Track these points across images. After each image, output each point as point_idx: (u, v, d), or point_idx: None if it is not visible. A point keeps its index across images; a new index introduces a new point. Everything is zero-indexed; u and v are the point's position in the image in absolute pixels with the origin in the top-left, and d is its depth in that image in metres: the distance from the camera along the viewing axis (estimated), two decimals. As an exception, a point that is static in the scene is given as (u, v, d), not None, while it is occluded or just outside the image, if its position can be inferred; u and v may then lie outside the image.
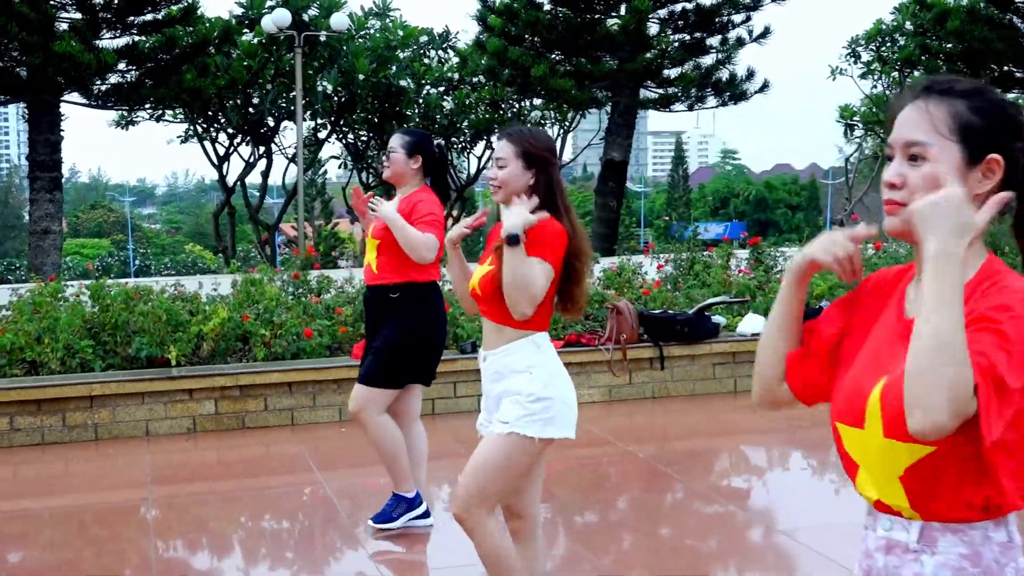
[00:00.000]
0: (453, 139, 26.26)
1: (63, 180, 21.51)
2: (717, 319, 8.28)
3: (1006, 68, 20.46)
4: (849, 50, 25.84)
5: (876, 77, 26.12)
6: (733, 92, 21.52)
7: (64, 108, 21.05)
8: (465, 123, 25.44)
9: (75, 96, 21.44)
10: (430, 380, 5.12)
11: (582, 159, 68.04)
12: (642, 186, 75.20)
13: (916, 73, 25.31)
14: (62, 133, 20.73)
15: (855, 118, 27.21)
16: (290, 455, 6.74)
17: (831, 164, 66.49)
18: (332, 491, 5.92)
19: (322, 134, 27.15)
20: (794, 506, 5.66)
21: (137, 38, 21.21)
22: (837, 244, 1.78)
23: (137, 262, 51.82)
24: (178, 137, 27.49)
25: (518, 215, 3.29)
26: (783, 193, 64.67)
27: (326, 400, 7.55)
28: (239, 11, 24.16)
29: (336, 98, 25.37)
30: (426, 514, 5.16)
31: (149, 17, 21.09)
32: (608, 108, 21.90)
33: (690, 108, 21.94)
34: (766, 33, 21.51)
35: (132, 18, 20.90)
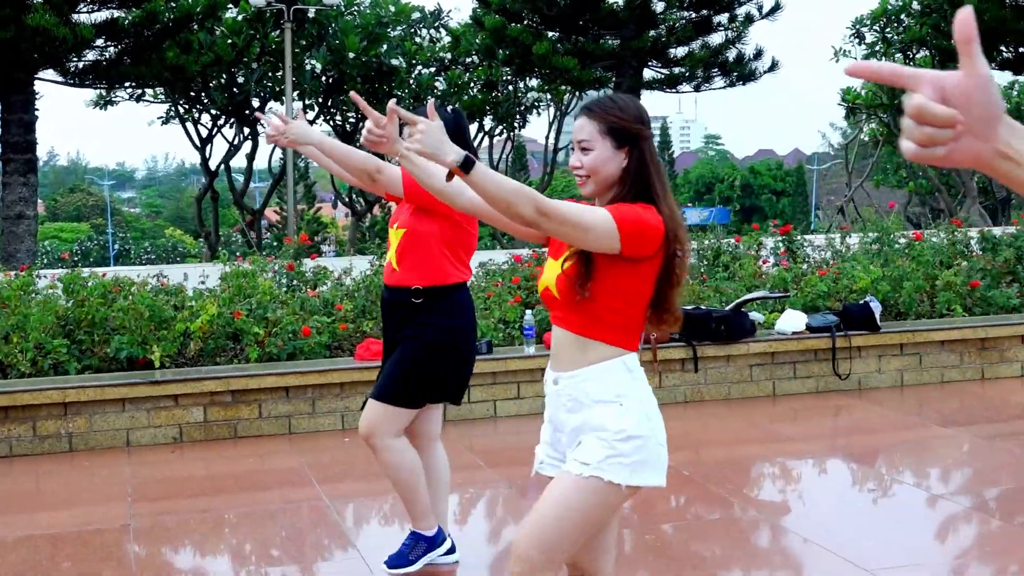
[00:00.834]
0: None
1: (40, 163, 20.91)
2: (755, 315, 7.62)
3: (1021, 49, 20.08)
4: (853, 30, 25.36)
5: (879, 59, 25.67)
6: (741, 72, 20.92)
7: (39, 86, 20.46)
8: (459, 104, 24.84)
9: (51, 74, 20.80)
10: (459, 398, 4.40)
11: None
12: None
13: (921, 54, 24.81)
14: (36, 113, 20.11)
15: (857, 101, 26.68)
16: (288, 468, 6.19)
17: (814, 150, 66.83)
18: (335, 508, 5.42)
19: (310, 115, 26.46)
20: (841, 521, 5.04)
21: (116, 12, 20.50)
22: None
23: (117, 246, 51.92)
24: (159, 118, 26.87)
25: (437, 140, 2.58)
26: (768, 178, 64.91)
27: (327, 406, 6.91)
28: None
29: (325, 78, 24.68)
30: (452, 550, 4.48)
31: (129, -11, 20.44)
32: (611, 88, 21.40)
33: (696, 88, 21.29)
34: (775, 9, 21.02)
35: (111, -10, 20.28)
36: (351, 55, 23.59)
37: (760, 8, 21.15)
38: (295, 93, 22.16)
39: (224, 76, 23.91)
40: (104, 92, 24.97)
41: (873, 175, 34.39)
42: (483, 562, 4.69)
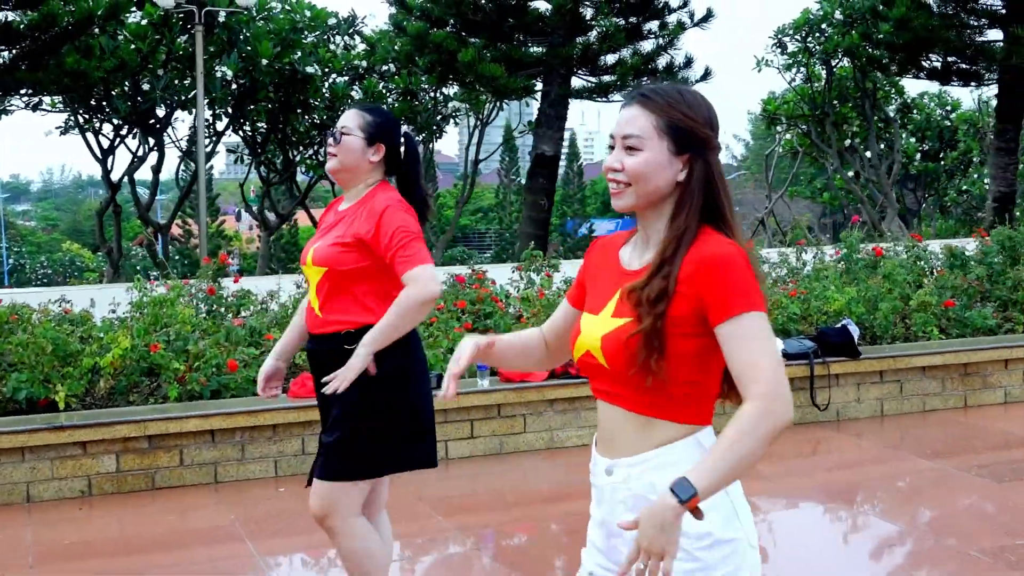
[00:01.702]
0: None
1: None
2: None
3: (950, 59, 20.18)
4: (775, 40, 25.37)
5: (796, 70, 25.69)
6: (673, 80, 20.61)
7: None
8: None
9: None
10: (433, 459, 3.71)
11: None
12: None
13: (843, 63, 24.87)
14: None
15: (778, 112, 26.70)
16: (214, 524, 5.63)
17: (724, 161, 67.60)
18: (269, 568, 4.96)
19: (220, 124, 25.42)
20: (821, 563, 4.55)
21: (11, 15, 19.48)
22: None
23: (11, 261, 50.31)
24: (57, 128, 25.57)
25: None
26: (674, 190, 65.58)
27: (258, 451, 6.25)
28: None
29: (236, 86, 23.72)
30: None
31: (25, -10, 19.42)
32: (537, 98, 20.95)
33: (628, 97, 20.66)
34: (708, 17, 20.83)
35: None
36: (264, 62, 22.71)
37: (692, 16, 20.98)
38: (205, 101, 21.16)
39: (128, 83, 22.85)
40: (-3, 100, 23.73)
41: (792, 184, 34.59)
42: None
